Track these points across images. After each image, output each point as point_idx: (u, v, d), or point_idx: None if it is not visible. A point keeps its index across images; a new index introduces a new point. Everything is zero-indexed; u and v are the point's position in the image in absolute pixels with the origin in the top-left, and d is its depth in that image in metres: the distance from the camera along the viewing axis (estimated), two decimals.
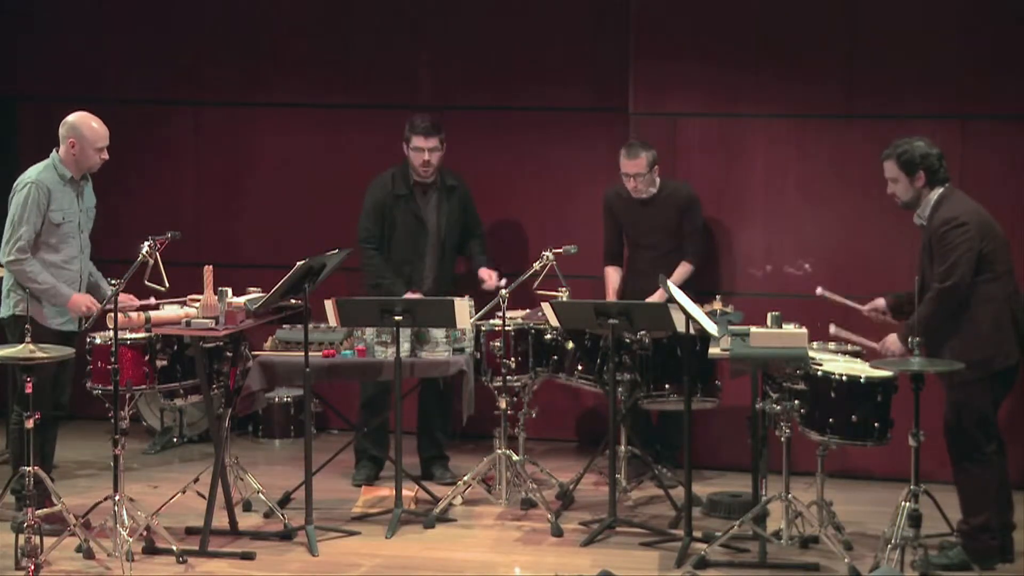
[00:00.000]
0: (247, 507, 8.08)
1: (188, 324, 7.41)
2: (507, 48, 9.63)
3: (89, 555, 7.22)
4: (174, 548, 7.23)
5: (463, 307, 7.85)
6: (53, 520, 7.22)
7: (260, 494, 7.94)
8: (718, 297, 8.15)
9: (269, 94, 9.99)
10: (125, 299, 7.40)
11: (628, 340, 8.01)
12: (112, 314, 7.09)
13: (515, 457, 8.19)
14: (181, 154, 10.16)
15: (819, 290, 7.60)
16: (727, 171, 8.97)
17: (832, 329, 7.50)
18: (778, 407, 7.16)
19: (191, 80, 10.08)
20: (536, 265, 8.20)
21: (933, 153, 7.10)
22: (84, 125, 7.71)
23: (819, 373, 7.16)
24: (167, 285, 7.26)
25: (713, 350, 7.13)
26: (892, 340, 7.17)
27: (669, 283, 7.39)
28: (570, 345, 8.27)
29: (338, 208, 9.73)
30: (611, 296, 8.74)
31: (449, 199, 8.75)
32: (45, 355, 6.82)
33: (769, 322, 7.18)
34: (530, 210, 9.62)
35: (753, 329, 7.09)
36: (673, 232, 8.66)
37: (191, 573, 7.16)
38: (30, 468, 6.87)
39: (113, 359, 7.10)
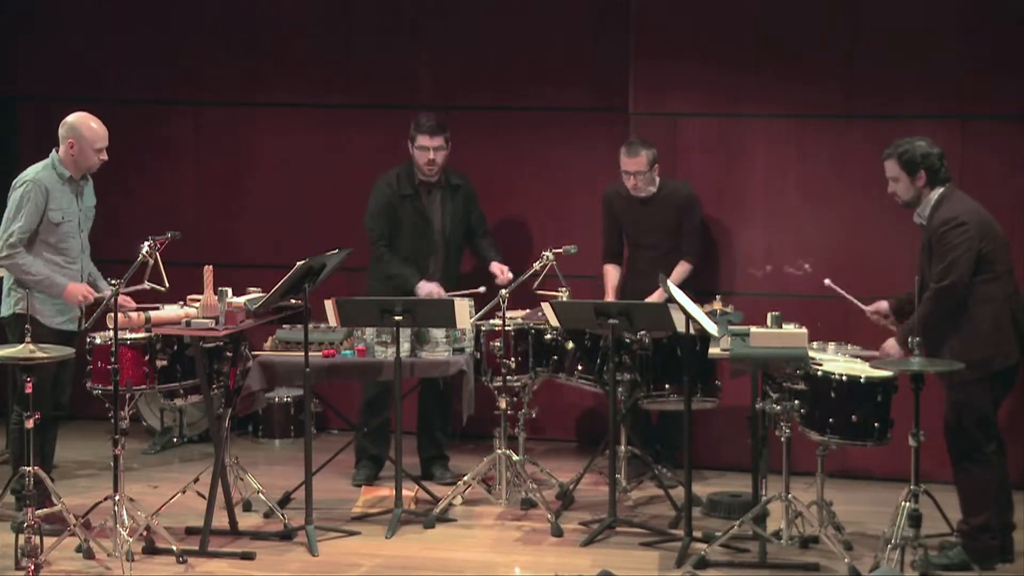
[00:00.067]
0: (247, 507, 8.08)
1: (188, 324, 7.41)
2: (507, 48, 9.63)
3: (89, 555, 7.22)
4: (174, 548, 7.23)
5: (463, 307, 7.85)
6: (53, 520, 7.22)
7: (260, 494, 7.94)
8: (718, 297, 8.15)
9: (269, 94, 9.99)
10: (122, 300, 7.39)
11: (628, 340, 8.01)
12: (112, 314, 7.09)
13: (515, 457, 8.19)
14: (181, 154, 10.16)
15: (827, 281, 7.58)
16: (727, 171, 8.97)
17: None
18: (778, 407, 7.16)
19: (191, 80, 10.08)
20: (536, 265, 8.20)
21: (934, 153, 7.10)
22: (83, 125, 7.71)
23: (819, 373, 7.16)
24: (167, 285, 7.26)
25: (713, 350, 7.13)
26: (891, 344, 7.17)
27: (669, 283, 7.39)
28: (570, 345, 8.27)
29: (338, 208, 9.74)
30: (610, 293, 8.74)
31: (454, 198, 8.75)
32: (45, 355, 6.82)
33: (769, 322, 7.18)
34: (530, 210, 9.62)
35: (753, 329, 7.09)
36: (673, 231, 8.66)
37: (191, 573, 7.16)
38: (30, 468, 6.86)
39: (113, 359, 7.10)
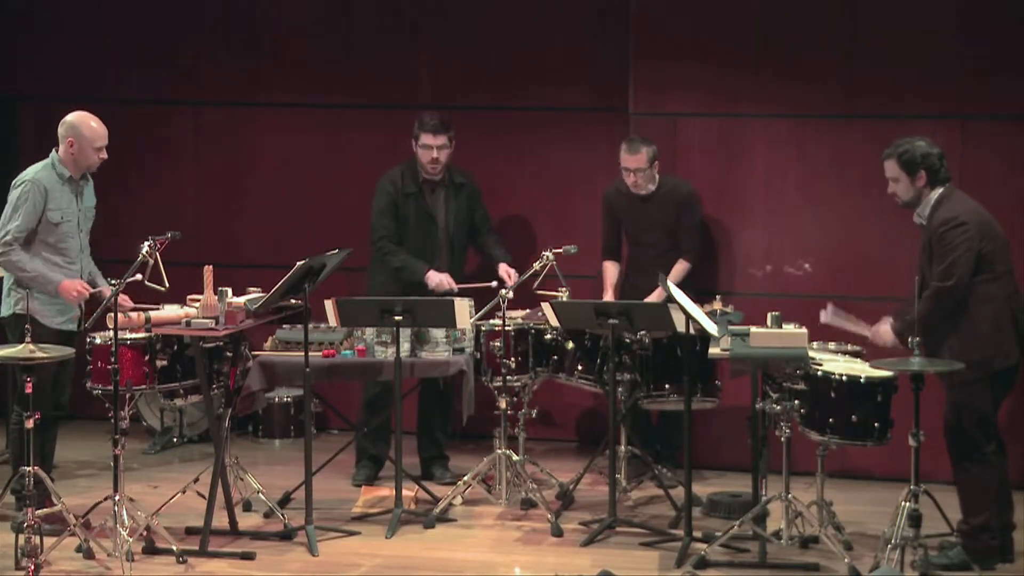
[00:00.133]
0: (247, 507, 8.08)
1: (188, 324, 7.41)
2: (507, 48, 9.63)
3: (89, 555, 7.22)
4: (174, 548, 7.23)
5: (463, 307, 7.85)
6: (53, 520, 7.22)
7: (260, 494, 7.94)
8: (718, 297, 8.15)
9: (269, 94, 9.99)
10: (121, 300, 7.39)
11: (628, 340, 8.01)
12: (112, 314, 7.09)
13: (515, 457, 8.19)
14: (181, 154, 10.16)
15: (825, 311, 7.47)
16: (727, 171, 8.97)
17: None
18: (778, 407, 7.15)
19: (191, 80, 10.08)
20: (536, 265, 8.20)
21: (934, 153, 7.10)
22: (83, 124, 7.71)
23: (819, 373, 7.15)
24: (167, 285, 7.26)
25: (713, 350, 7.13)
26: (885, 330, 7.16)
27: (669, 283, 7.39)
28: (570, 345, 8.27)
29: (338, 208, 9.74)
30: (608, 290, 8.74)
31: (457, 196, 8.76)
32: (45, 355, 6.82)
33: (769, 322, 7.18)
34: (530, 210, 9.62)
35: (753, 329, 7.09)
36: (672, 229, 8.66)
37: (191, 573, 7.16)
38: (30, 468, 6.86)
39: (113, 359, 7.10)
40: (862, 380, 7.10)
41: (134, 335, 7.44)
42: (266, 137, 10.02)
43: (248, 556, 7.34)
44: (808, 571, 7.16)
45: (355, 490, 8.44)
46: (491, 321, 8.30)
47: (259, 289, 7.91)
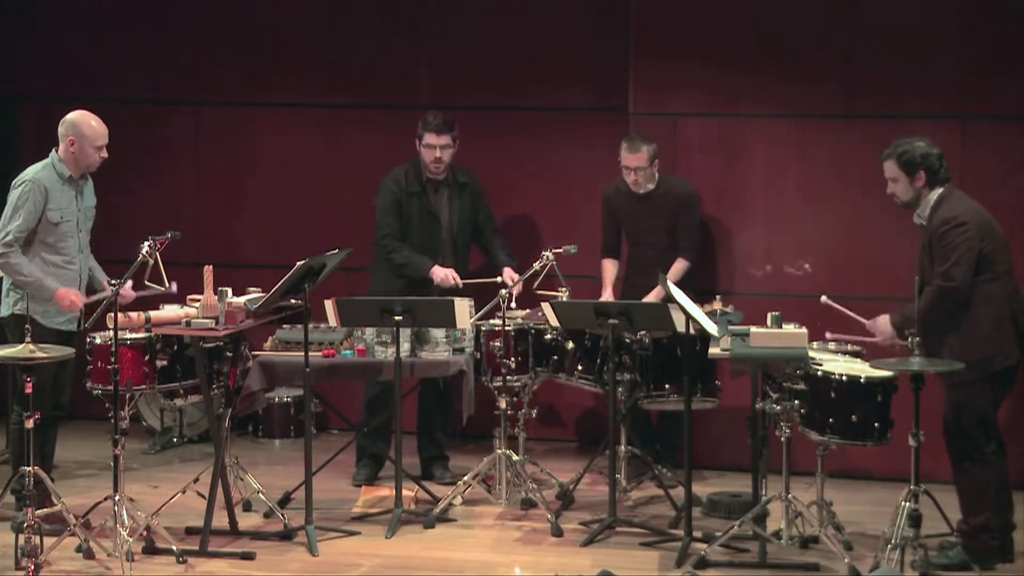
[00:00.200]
0: (247, 507, 8.08)
1: (188, 324, 7.41)
2: (507, 48, 9.64)
3: (89, 555, 7.22)
4: (174, 548, 7.23)
5: (463, 307, 7.85)
6: (53, 520, 7.22)
7: (260, 494, 7.94)
8: (718, 297, 8.15)
9: (269, 94, 9.99)
10: (124, 292, 7.39)
11: (628, 340, 8.01)
12: (112, 314, 7.09)
13: (515, 457, 8.19)
14: (181, 154, 10.16)
15: (823, 299, 7.50)
16: (727, 171, 8.97)
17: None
18: (778, 407, 7.15)
19: (191, 80, 10.08)
20: (536, 265, 8.20)
21: (933, 153, 7.10)
22: (84, 123, 7.71)
23: (819, 373, 7.15)
24: (167, 285, 7.27)
25: (713, 350, 7.13)
26: (883, 322, 7.15)
27: (669, 283, 7.39)
28: (570, 345, 8.27)
29: (338, 208, 9.75)
30: (607, 288, 8.75)
31: (461, 196, 8.76)
32: (45, 355, 6.82)
33: (769, 322, 7.17)
34: (530, 210, 9.62)
35: (753, 329, 7.09)
36: (672, 229, 8.67)
37: (191, 573, 7.16)
38: (30, 468, 6.86)
39: (113, 359, 7.10)
40: (862, 380, 7.09)
41: (134, 335, 7.44)
42: (266, 137, 10.03)
43: (248, 556, 7.34)
44: (808, 571, 7.16)
45: (355, 490, 8.44)
46: (491, 321, 8.30)
47: (259, 289, 7.91)
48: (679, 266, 8.60)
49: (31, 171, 7.72)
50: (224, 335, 7.45)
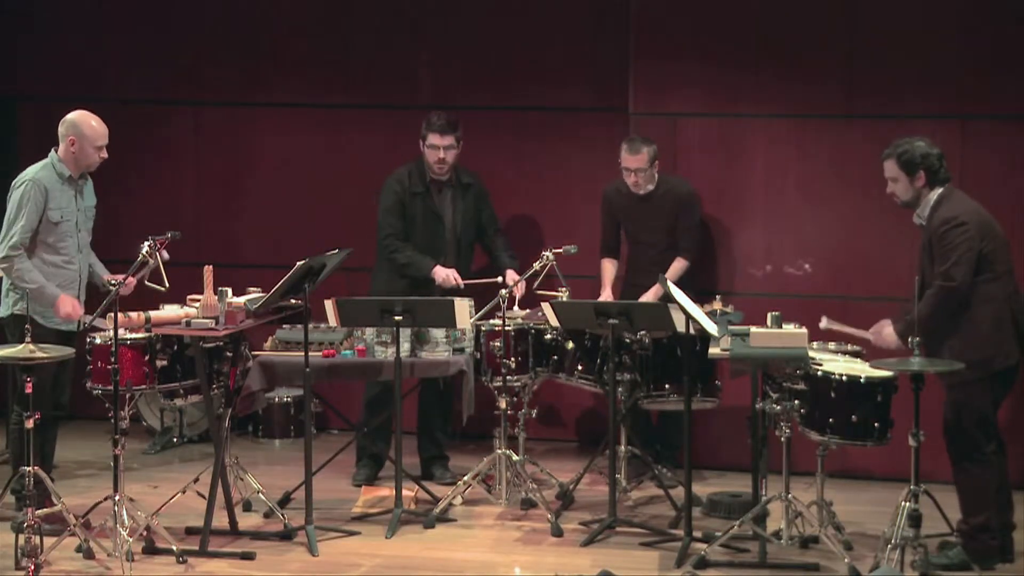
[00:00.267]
0: (247, 507, 8.08)
1: (188, 324, 7.41)
2: (507, 48, 9.64)
3: (89, 555, 7.22)
4: (174, 548, 7.23)
5: (463, 307, 7.85)
6: (53, 520, 7.22)
7: (260, 494, 7.94)
8: (718, 297, 8.15)
9: (269, 94, 9.99)
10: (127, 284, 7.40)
11: (628, 340, 8.01)
12: (112, 314, 7.09)
13: (515, 457, 8.19)
14: (181, 154, 10.16)
15: (823, 323, 7.47)
16: (727, 171, 8.97)
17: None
18: (778, 407, 7.15)
19: (191, 80, 10.08)
20: (536, 265, 8.20)
21: (933, 153, 7.10)
22: (84, 123, 7.71)
23: (819, 373, 7.15)
24: (167, 285, 7.27)
25: (713, 350, 7.13)
26: (888, 332, 7.15)
27: (669, 283, 7.39)
28: (570, 345, 8.27)
29: (338, 208, 9.75)
30: (606, 288, 8.75)
31: (464, 196, 8.76)
32: (45, 355, 6.82)
33: (769, 322, 7.17)
34: (530, 210, 9.62)
35: (753, 329, 7.09)
36: (672, 229, 8.67)
37: (191, 573, 7.16)
38: (30, 468, 6.86)
39: (113, 359, 7.10)
40: (862, 380, 7.09)
41: (134, 335, 7.44)
42: (266, 137, 10.03)
43: (248, 556, 7.34)
44: (808, 571, 7.16)
45: (355, 490, 8.44)
46: (491, 321, 8.30)
47: (259, 289, 7.91)
48: (678, 266, 8.60)
49: (31, 171, 7.72)
50: (224, 335, 7.45)
